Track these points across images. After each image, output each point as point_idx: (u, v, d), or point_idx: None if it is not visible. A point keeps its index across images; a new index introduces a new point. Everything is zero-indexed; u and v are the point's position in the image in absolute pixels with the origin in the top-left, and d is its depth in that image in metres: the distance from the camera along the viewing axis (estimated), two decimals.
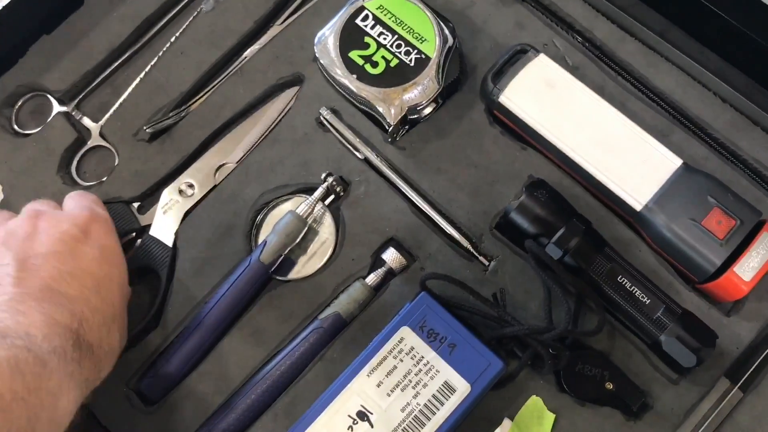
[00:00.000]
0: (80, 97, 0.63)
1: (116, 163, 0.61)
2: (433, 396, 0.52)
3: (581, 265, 0.53)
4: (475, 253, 0.57)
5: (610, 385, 0.52)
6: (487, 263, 0.57)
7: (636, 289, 0.52)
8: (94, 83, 0.63)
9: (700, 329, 0.52)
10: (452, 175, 0.59)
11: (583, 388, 0.52)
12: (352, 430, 0.51)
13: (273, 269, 0.57)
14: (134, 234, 0.59)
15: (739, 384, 0.53)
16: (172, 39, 0.63)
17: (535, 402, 0.54)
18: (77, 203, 0.54)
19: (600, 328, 0.53)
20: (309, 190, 0.59)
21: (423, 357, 0.52)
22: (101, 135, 0.62)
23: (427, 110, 0.59)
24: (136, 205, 0.59)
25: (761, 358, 0.53)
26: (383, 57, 0.57)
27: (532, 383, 0.54)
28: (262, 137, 0.60)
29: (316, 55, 0.59)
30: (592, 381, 0.52)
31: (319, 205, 0.58)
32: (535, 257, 0.54)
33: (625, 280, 0.52)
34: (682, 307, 0.53)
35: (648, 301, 0.52)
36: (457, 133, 0.60)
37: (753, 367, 0.52)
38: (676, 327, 0.51)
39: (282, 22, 0.63)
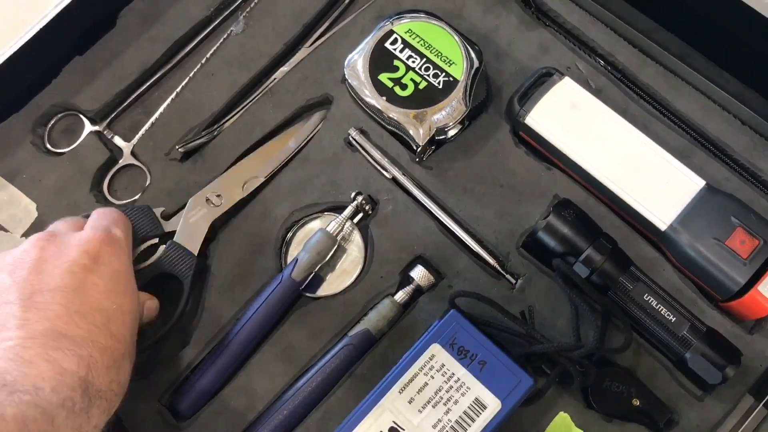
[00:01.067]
0: (112, 116, 0.64)
1: (148, 182, 0.62)
2: (465, 413, 0.52)
3: (608, 283, 0.54)
4: (501, 271, 0.58)
5: (636, 402, 0.53)
6: (514, 281, 0.58)
7: (662, 307, 0.53)
8: (126, 103, 0.64)
9: (725, 347, 0.53)
10: (479, 195, 0.60)
11: (610, 404, 0.53)
12: None
13: (303, 286, 0.58)
14: (157, 240, 0.59)
15: (764, 401, 0.53)
16: (203, 60, 0.64)
17: (563, 418, 0.55)
18: (94, 223, 0.53)
19: (627, 345, 0.54)
20: (338, 209, 0.60)
21: (454, 374, 0.53)
22: (133, 154, 0.63)
23: (454, 131, 0.61)
24: (158, 210, 0.59)
25: None
26: (412, 79, 0.59)
27: (560, 400, 0.55)
28: (291, 156, 0.61)
29: (346, 77, 0.60)
30: (619, 397, 0.53)
31: (349, 224, 0.60)
32: (562, 276, 0.55)
33: (651, 299, 0.54)
34: (706, 325, 0.54)
35: (674, 319, 0.53)
36: (483, 153, 0.61)
37: None
38: (701, 344, 0.52)
39: (311, 45, 0.65)
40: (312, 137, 0.62)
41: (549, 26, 0.64)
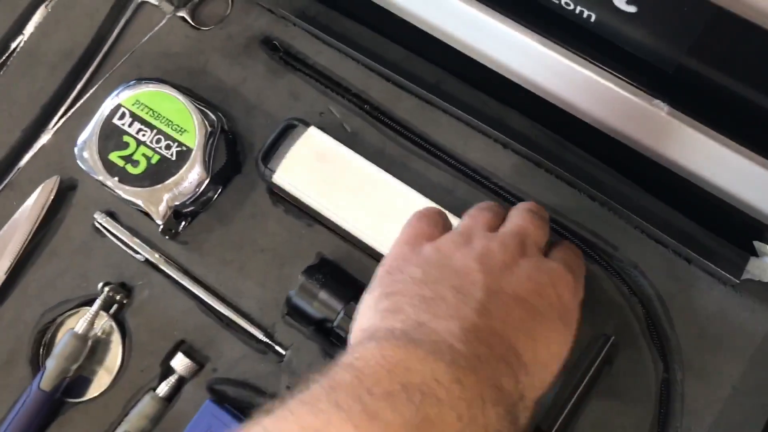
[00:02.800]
0: None
1: None
2: None
3: None
4: (270, 342, 0.54)
5: None
6: (283, 353, 0.54)
7: None
8: None
9: None
10: (239, 264, 0.56)
11: None
12: None
13: (59, 393, 0.54)
14: None
15: None
16: None
17: None
18: (568, 257, 0.46)
19: None
20: (92, 302, 0.56)
21: None
22: None
23: (204, 200, 0.57)
24: None
25: (565, 412, 0.50)
26: (144, 154, 0.55)
27: None
28: (27, 243, 0.57)
29: (77, 161, 0.56)
30: None
31: (105, 317, 0.56)
32: (323, 345, 0.51)
33: None
34: None
35: None
36: (240, 217, 0.57)
37: (558, 424, 0.50)
38: None
39: (52, 127, 0.60)
40: (51, 222, 0.58)
41: (299, 70, 0.60)
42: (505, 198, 0.56)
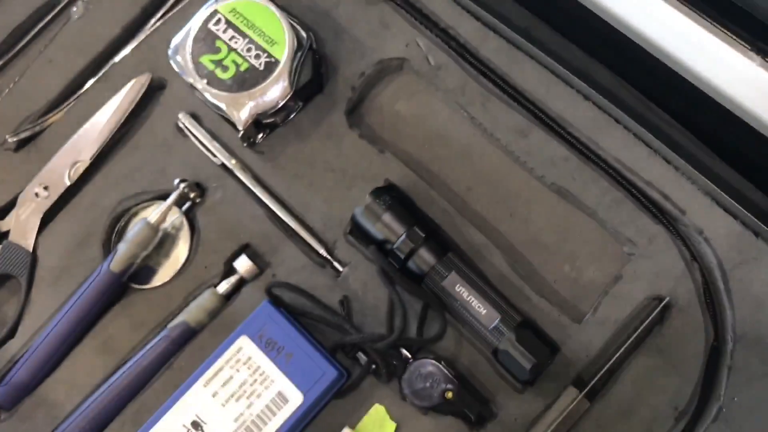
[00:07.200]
0: None
1: None
2: (267, 406, 0.51)
3: (423, 271, 0.52)
4: (329, 258, 0.56)
5: (449, 394, 0.51)
6: (340, 269, 0.56)
7: (472, 298, 0.51)
8: None
9: (538, 341, 0.50)
10: (310, 180, 0.58)
11: (420, 396, 0.51)
12: None
13: (126, 277, 0.57)
14: None
15: (584, 392, 0.51)
16: (42, 48, 0.63)
17: (378, 411, 0.53)
18: None
19: (439, 336, 0.52)
20: (167, 197, 0.58)
21: (260, 367, 0.52)
22: None
23: (285, 114, 0.58)
24: None
25: (607, 365, 0.51)
26: (233, 61, 0.57)
27: (377, 392, 0.53)
28: (114, 132, 0.59)
29: (170, 61, 0.58)
30: (430, 390, 0.51)
31: (177, 213, 0.58)
32: (379, 264, 0.53)
33: (462, 289, 0.51)
34: (521, 318, 0.51)
35: (484, 311, 0.50)
36: (317, 135, 0.59)
37: (598, 375, 0.51)
38: (510, 338, 0.49)
39: (150, 27, 0.63)
40: (138, 117, 0.60)
41: (391, 0, 0.61)
42: (579, 150, 0.56)
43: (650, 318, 0.51)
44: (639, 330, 0.51)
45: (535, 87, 0.57)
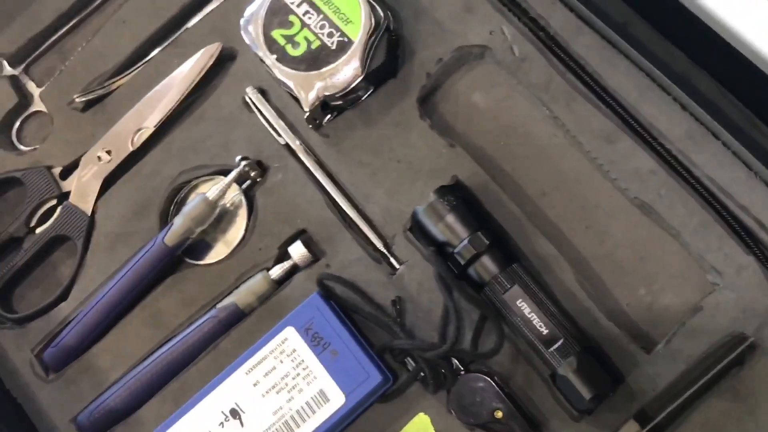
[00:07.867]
0: (28, 61, 0.63)
1: (51, 131, 0.61)
2: (307, 403, 0.49)
3: (484, 280, 0.49)
4: (387, 254, 0.53)
5: (499, 413, 0.48)
6: (397, 266, 0.53)
7: (534, 315, 0.47)
8: (42, 48, 0.63)
9: (601, 370, 0.46)
10: (373, 169, 0.55)
11: (469, 412, 0.48)
12: (223, 426, 0.50)
13: (180, 251, 0.56)
14: (55, 201, 0.59)
15: (647, 428, 0.47)
16: (117, 7, 0.62)
17: (421, 419, 0.50)
18: None
19: (495, 351, 0.49)
20: (227, 173, 0.57)
21: (303, 361, 0.50)
22: (42, 101, 0.62)
23: (354, 97, 0.55)
24: (57, 170, 0.59)
25: (677, 402, 0.47)
26: (305, 37, 0.54)
27: (423, 400, 0.51)
28: (180, 101, 0.58)
29: (242, 32, 0.56)
30: (479, 407, 0.48)
31: (236, 190, 0.56)
32: (436, 267, 0.50)
33: (525, 305, 0.47)
34: (585, 343, 0.47)
35: (545, 331, 0.47)
36: (385, 122, 0.55)
37: (666, 412, 0.47)
38: (571, 363, 0.46)
39: None
40: (205, 88, 0.58)
41: None
42: (669, 163, 0.51)
43: (730, 357, 0.47)
44: (716, 369, 0.47)
45: (627, 90, 0.52)
